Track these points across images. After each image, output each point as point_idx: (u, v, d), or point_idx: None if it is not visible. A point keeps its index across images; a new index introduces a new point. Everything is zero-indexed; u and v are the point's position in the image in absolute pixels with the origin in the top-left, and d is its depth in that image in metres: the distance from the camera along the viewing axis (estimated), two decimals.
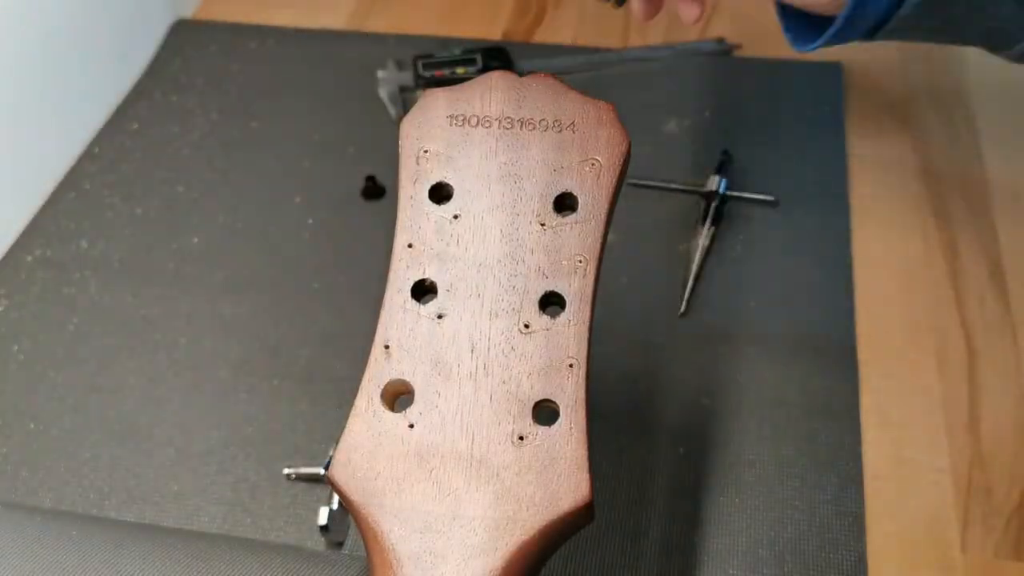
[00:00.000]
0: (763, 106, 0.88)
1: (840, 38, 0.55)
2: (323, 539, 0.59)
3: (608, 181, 0.38)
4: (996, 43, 0.55)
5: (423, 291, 0.38)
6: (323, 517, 0.57)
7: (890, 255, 0.76)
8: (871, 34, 0.56)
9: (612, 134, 0.39)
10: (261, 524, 0.62)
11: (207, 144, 0.88)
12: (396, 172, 0.40)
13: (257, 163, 0.86)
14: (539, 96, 0.40)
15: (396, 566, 0.34)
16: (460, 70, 0.89)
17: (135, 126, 0.90)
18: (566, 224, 0.38)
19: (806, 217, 0.79)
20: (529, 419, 0.35)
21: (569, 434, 0.35)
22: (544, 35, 0.99)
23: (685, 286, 0.73)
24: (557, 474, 0.35)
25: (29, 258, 0.79)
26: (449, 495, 0.35)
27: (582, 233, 0.38)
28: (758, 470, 0.63)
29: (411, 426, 0.36)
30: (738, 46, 0.94)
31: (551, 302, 0.37)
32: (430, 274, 0.37)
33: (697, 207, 0.78)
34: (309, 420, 0.67)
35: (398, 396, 0.38)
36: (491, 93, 0.41)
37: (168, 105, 0.92)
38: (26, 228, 0.81)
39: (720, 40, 0.95)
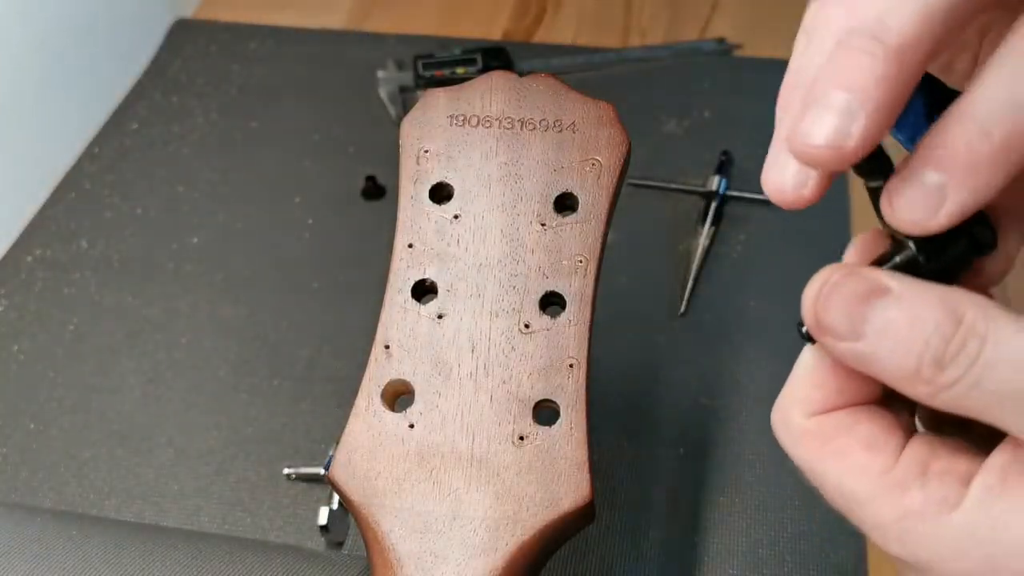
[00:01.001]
0: (763, 106, 0.88)
1: None
2: (323, 539, 0.59)
3: (608, 181, 0.38)
4: None
5: (423, 291, 0.37)
6: (323, 517, 0.57)
7: None
8: None
9: (612, 134, 0.39)
10: (261, 524, 0.62)
11: (207, 144, 0.88)
12: (396, 172, 0.40)
13: (257, 163, 0.86)
14: (539, 96, 0.40)
15: (396, 566, 0.34)
16: (460, 70, 0.89)
17: (135, 126, 0.90)
18: (566, 224, 0.38)
19: (806, 217, 0.79)
20: (529, 419, 0.35)
21: (569, 434, 0.35)
22: (544, 35, 0.99)
23: (685, 286, 0.73)
24: (557, 474, 0.35)
25: (29, 258, 0.79)
26: (449, 495, 0.34)
27: (582, 233, 0.38)
28: (758, 470, 0.63)
29: (411, 426, 0.36)
30: (738, 46, 0.94)
31: (551, 302, 0.37)
32: (430, 274, 0.37)
33: (697, 207, 0.78)
34: (309, 420, 0.67)
35: (398, 396, 0.37)
36: (491, 93, 0.41)
37: (168, 105, 0.92)
38: (26, 228, 0.81)
39: (720, 40, 0.95)
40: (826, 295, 0.24)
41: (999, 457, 0.22)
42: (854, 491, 0.23)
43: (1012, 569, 0.21)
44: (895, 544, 0.22)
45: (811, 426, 0.25)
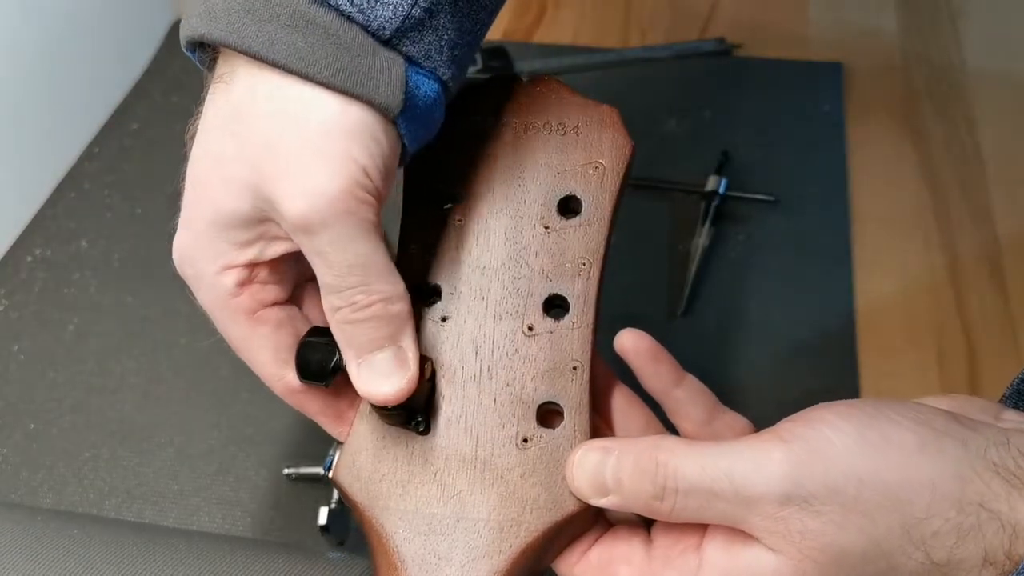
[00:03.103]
0: (763, 106, 0.88)
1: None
2: (323, 539, 0.59)
3: (612, 184, 0.38)
4: None
5: (427, 294, 0.37)
6: (323, 517, 0.57)
7: (890, 255, 0.77)
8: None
9: (616, 137, 0.39)
10: (261, 524, 0.62)
11: None
12: (399, 176, 0.40)
13: None
14: (543, 99, 0.40)
15: (400, 568, 0.34)
16: None
17: (135, 126, 0.90)
18: (570, 227, 0.38)
19: (806, 217, 0.79)
20: (533, 421, 0.35)
21: (573, 436, 0.35)
22: (544, 35, 0.99)
23: (685, 286, 0.73)
24: (561, 476, 0.35)
25: (29, 258, 0.79)
26: (453, 497, 0.34)
27: (586, 236, 0.37)
28: None
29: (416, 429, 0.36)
30: (738, 46, 0.94)
31: (555, 305, 0.37)
32: (434, 277, 0.37)
33: (697, 207, 0.79)
34: (309, 420, 0.67)
35: None
36: (495, 96, 0.41)
37: (168, 105, 0.92)
38: (26, 228, 0.81)
39: (720, 40, 0.95)
40: (574, 475, 0.34)
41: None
42: None
43: None
44: None
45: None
